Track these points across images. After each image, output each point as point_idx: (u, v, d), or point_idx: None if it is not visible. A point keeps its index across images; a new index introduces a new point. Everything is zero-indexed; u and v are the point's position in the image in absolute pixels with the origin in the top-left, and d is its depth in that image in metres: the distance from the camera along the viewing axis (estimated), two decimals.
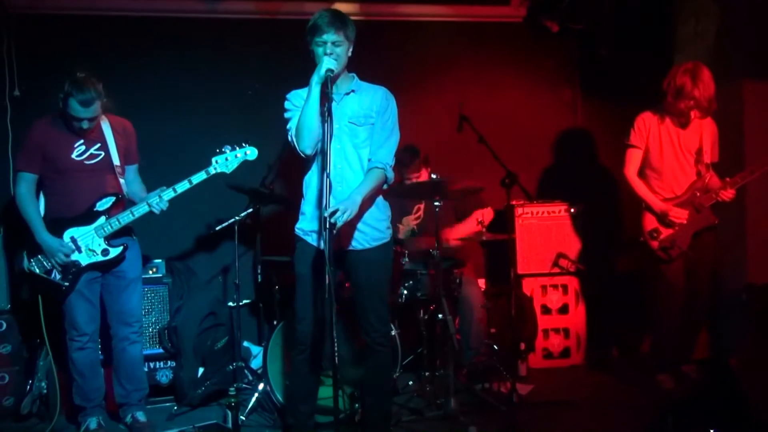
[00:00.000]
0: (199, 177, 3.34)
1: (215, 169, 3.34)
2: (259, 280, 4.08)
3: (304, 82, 2.85)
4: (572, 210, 4.54)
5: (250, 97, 4.56)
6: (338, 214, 2.69)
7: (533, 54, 5.01)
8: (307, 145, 2.83)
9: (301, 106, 2.85)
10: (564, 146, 5.05)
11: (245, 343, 4.21)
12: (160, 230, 3.94)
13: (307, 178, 2.97)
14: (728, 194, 3.75)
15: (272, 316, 4.00)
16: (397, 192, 3.91)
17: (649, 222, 3.88)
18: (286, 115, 2.95)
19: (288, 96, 2.98)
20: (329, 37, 2.78)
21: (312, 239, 2.93)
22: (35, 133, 3.30)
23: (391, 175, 2.93)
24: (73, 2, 4.37)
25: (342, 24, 2.81)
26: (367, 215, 2.94)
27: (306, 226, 2.96)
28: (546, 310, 4.48)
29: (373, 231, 2.95)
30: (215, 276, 4.41)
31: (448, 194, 3.71)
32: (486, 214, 4.18)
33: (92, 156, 3.33)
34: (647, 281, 4.10)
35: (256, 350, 4.20)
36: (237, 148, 3.36)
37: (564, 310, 4.50)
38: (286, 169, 4.28)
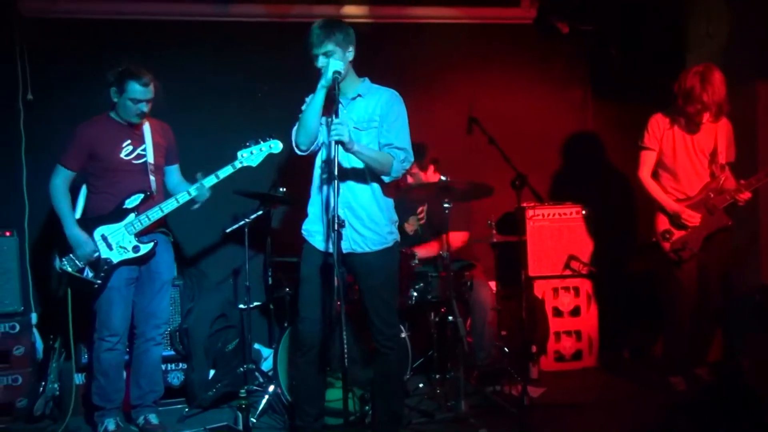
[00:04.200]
0: (225, 171, 3.38)
1: (241, 162, 3.38)
2: (270, 282, 4.10)
3: (313, 84, 2.88)
4: (584, 212, 4.54)
5: (260, 99, 4.60)
6: (333, 128, 2.69)
7: (544, 55, 5.00)
8: (302, 141, 2.88)
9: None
10: (575, 148, 5.05)
11: (256, 345, 4.23)
12: (172, 232, 3.98)
13: (312, 178, 3.03)
14: (745, 196, 3.74)
15: (283, 318, 4.02)
16: (404, 192, 3.92)
17: (662, 223, 3.88)
18: (300, 112, 2.99)
19: (306, 99, 3.02)
20: (318, 50, 2.82)
21: (314, 241, 2.96)
22: (86, 131, 3.36)
23: (397, 167, 2.91)
24: (85, 6, 4.44)
25: (328, 34, 2.82)
26: (367, 218, 2.94)
27: (310, 226, 3.00)
28: (557, 312, 4.47)
29: (373, 234, 2.96)
30: (226, 278, 4.44)
31: (457, 196, 3.72)
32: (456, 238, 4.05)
33: (139, 156, 3.41)
34: (659, 283, 4.08)
35: (266, 352, 4.22)
36: (261, 142, 3.40)
37: (576, 312, 4.48)
38: (296, 170, 4.30)
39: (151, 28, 4.51)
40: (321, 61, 2.82)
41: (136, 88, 3.30)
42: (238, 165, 3.39)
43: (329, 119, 2.82)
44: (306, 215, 3.05)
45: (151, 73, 3.35)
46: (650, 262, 4.13)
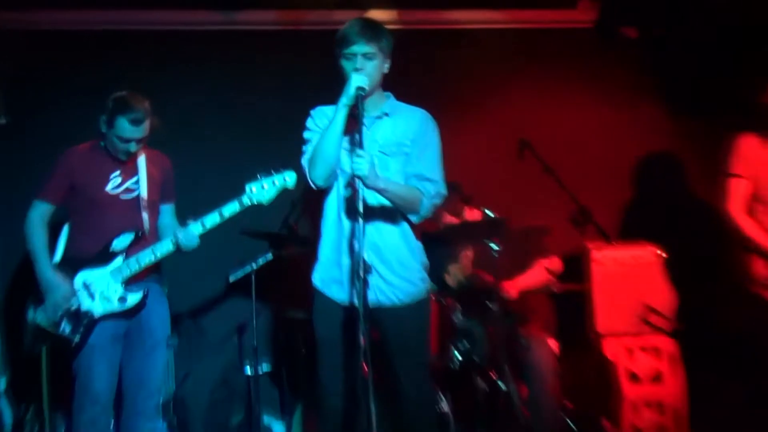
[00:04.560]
0: (231, 208, 3.30)
1: (250, 199, 3.30)
2: (282, 341, 4.11)
3: (331, 99, 2.84)
4: (662, 254, 4.33)
5: (271, 119, 4.61)
6: (357, 159, 2.63)
7: (607, 65, 4.95)
8: (319, 176, 2.81)
9: (323, 127, 2.84)
10: (649, 175, 4.94)
11: (265, 418, 4.12)
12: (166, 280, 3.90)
13: (324, 213, 2.94)
14: None
15: (297, 385, 3.98)
16: (444, 233, 3.96)
17: (760, 268, 3.74)
18: (306, 134, 2.94)
19: (312, 113, 2.97)
20: (359, 48, 2.77)
21: (332, 292, 2.88)
22: (68, 159, 3.37)
23: (427, 204, 2.87)
24: (72, 16, 4.49)
25: (375, 34, 2.80)
26: (396, 263, 2.88)
27: (324, 274, 2.92)
28: (634, 378, 4.23)
29: (404, 283, 2.89)
30: (229, 336, 4.38)
31: (507, 236, 3.72)
32: (553, 263, 4.13)
33: (128, 190, 3.40)
34: (760, 341, 3.91)
35: (278, 428, 4.14)
36: (274, 174, 3.32)
37: (657, 378, 4.25)
38: (313, 204, 4.25)
39: (146, 40, 4.57)
40: (359, 62, 2.77)
41: (124, 126, 3.27)
42: (246, 201, 3.30)
43: (352, 143, 2.79)
44: (317, 259, 2.99)
45: (148, 105, 3.32)
46: (748, 315, 3.96)
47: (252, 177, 3.33)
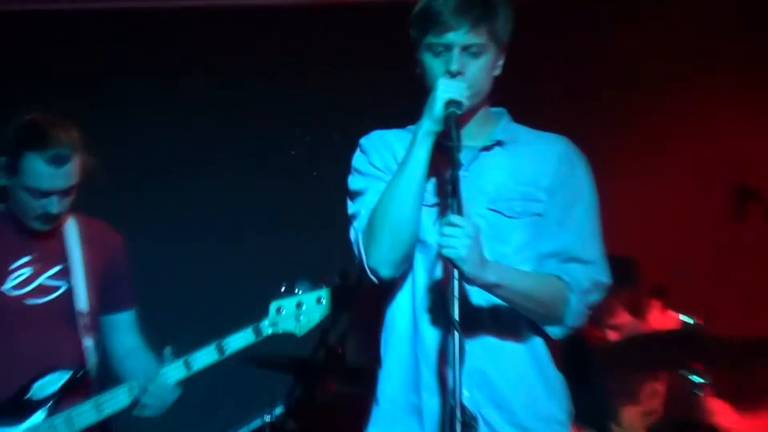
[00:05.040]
0: (240, 340, 3.29)
1: (275, 325, 3.30)
2: None
3: (396, 120, 2.73)
4: None
5: (296, 154, 4.83)
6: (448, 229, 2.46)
7: None
8: (384, 259, 2.69)
9: (387, 170, 2.75)
10: None
11: None
12: None
13: (388, 322, 2.84)
14: None
15: None
16: (611, 351, 4.16)
17: None
18: (354, 183, 2.84)
19: (363, 144, 2.87)
20: (458, 36, 2.66)
21: None
22: None
23: (577, 306, 2.71)
24: None
25: (487, 10, 2.69)
26: (521, 408, 2.72)
27: (391, 427, 2.79)
28: None
29: None
30: None
31: (721, 358, 3.85)
32: None
33: (43, 290, 3.39)
34: None
35: None
36: (321, 286, 3.33)
37: None
38: (369, 308, 4.10)
39: (102, 24, 4.98)
40: (455, 60, 2.65)
41: (37, 169, 3.25)
42: (268, 329, 3.28)
43: (440, 196, 2.70)
44: (374, 403, 2.83)
45: (77, 135, 3.31)
46: None
47: (277, 286, 3.30)
